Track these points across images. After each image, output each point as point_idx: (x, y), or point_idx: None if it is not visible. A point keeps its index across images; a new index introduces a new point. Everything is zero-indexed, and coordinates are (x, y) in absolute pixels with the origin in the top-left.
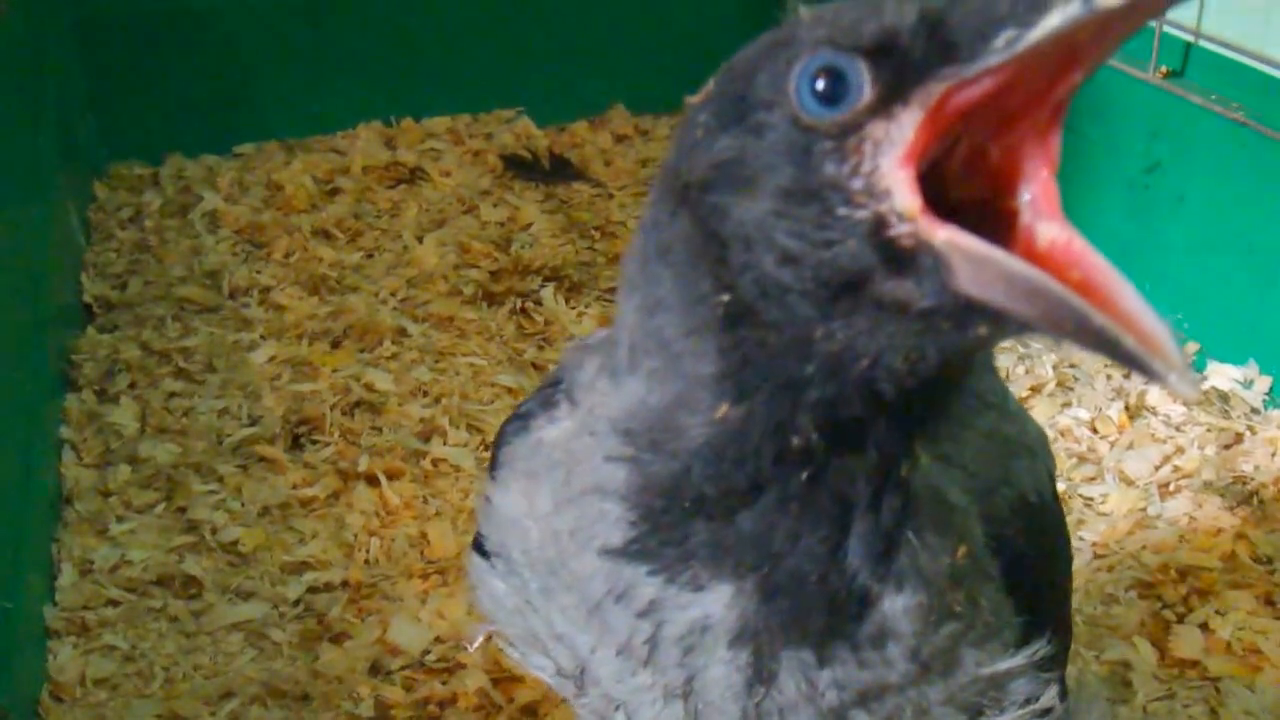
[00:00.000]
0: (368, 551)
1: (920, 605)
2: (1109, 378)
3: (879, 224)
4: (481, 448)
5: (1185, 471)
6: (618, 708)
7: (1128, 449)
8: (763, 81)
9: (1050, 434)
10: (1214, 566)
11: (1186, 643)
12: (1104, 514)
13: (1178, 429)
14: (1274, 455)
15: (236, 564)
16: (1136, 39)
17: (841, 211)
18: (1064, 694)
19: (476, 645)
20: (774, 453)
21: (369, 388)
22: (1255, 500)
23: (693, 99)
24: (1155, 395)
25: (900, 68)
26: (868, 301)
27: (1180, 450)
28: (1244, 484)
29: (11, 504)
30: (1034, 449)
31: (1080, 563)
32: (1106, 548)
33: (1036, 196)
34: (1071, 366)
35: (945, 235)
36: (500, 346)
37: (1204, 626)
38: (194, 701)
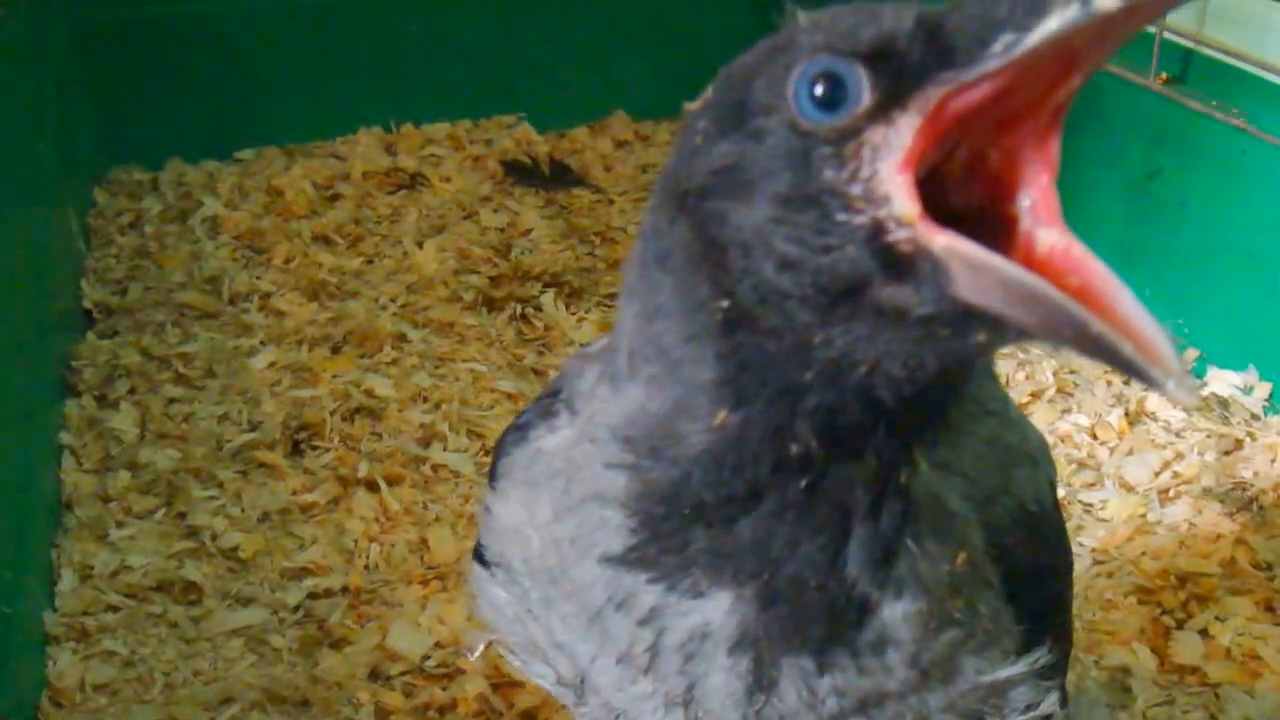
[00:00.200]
0: (368, 557)
1: (920, 612)
2: (1109, 384)
3: (877, 229)
4: (481, 453)
5: (1185, 477)
6: (618, 716)
7: (1128, 455)
8: (761, 87)
9: (1050, 440)
10: (1213, 572)
11: (1186, 649)
12: (1104, 520)
13: (1178, 435)
14: (1274, 461)
15: (236, 570)
16: (1136, 45)
17: (840, 217)
18: (1064, 701)
19: (477, 654)
20: (773, 460)
21: (369, 393)
22: (1255, 506)
23: (691, 105)
24: (1155, 401)
25: (898, 73)
26: (867, 308)
27: (1180, 456)
28: (1244, 490)
29: (11, 509)
30: (1035, 457)
31: (1080, 568)
32: (1106, 553)
33: (1036, 202)
34: (1071, 373)
35: (944, 241)
36: (500, 352)
37: (1203, 632)
38: (194, 707)
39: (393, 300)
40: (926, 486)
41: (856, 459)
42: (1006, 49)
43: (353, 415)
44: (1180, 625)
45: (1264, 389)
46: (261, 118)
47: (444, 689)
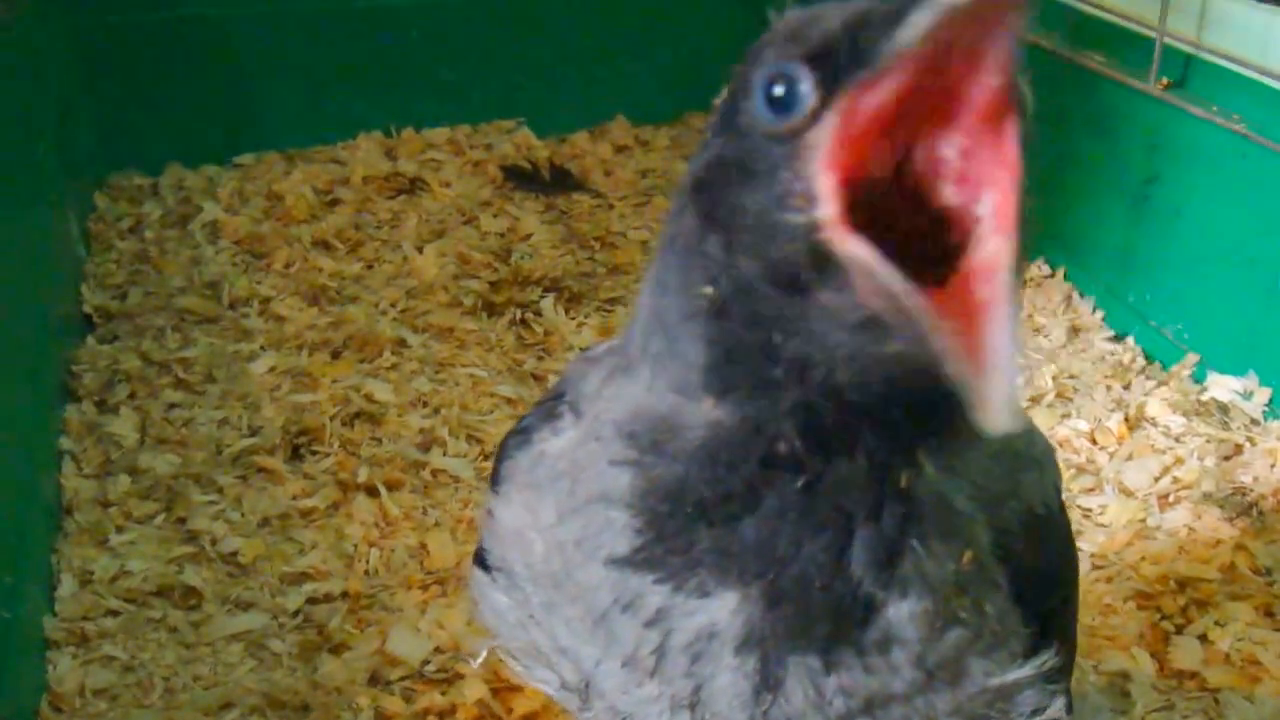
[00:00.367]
0: (367, 562)
1: (925, 611)
2: (1108, 389)
3: (811, 230)
4: (481, 458)
5: (1184, 483)
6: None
7: (1127, 460)
8: (740, 88)
9: None
10: (1213, 578)
11: (1185, 654)
12: (1103, 525)
13: (1177, 440)
14: (1273, 466)
15: (236, 575)
16: (1137, 50)
17: (785, 217)
18: (1070, 707)
19: (480, 660)
20: (761, 456)
21: (369, 398)
22: (1255, 511)
23: (717, 99)
24: (1155, 406)
25: (833, 73)
26: (814, 308)
27: (1180, 461)
28: (1243, 495)
29: (11, 514)
30: (1041, 462)
31: (1079, 573)
32: (1105, 559)
33: (995, 206)
34: (1071, 377)
35: (849, 246)
36: (500, 357)
37: (1203, 638)
38: (193, 712)
39: (392, 305)
40: (931, 486)
41: (848, 460)
42: (892, 47)
43: (352, 420)
44: (1180, 630)
45: (1264, 394)
46: (261, 122)
47: (443, 694)
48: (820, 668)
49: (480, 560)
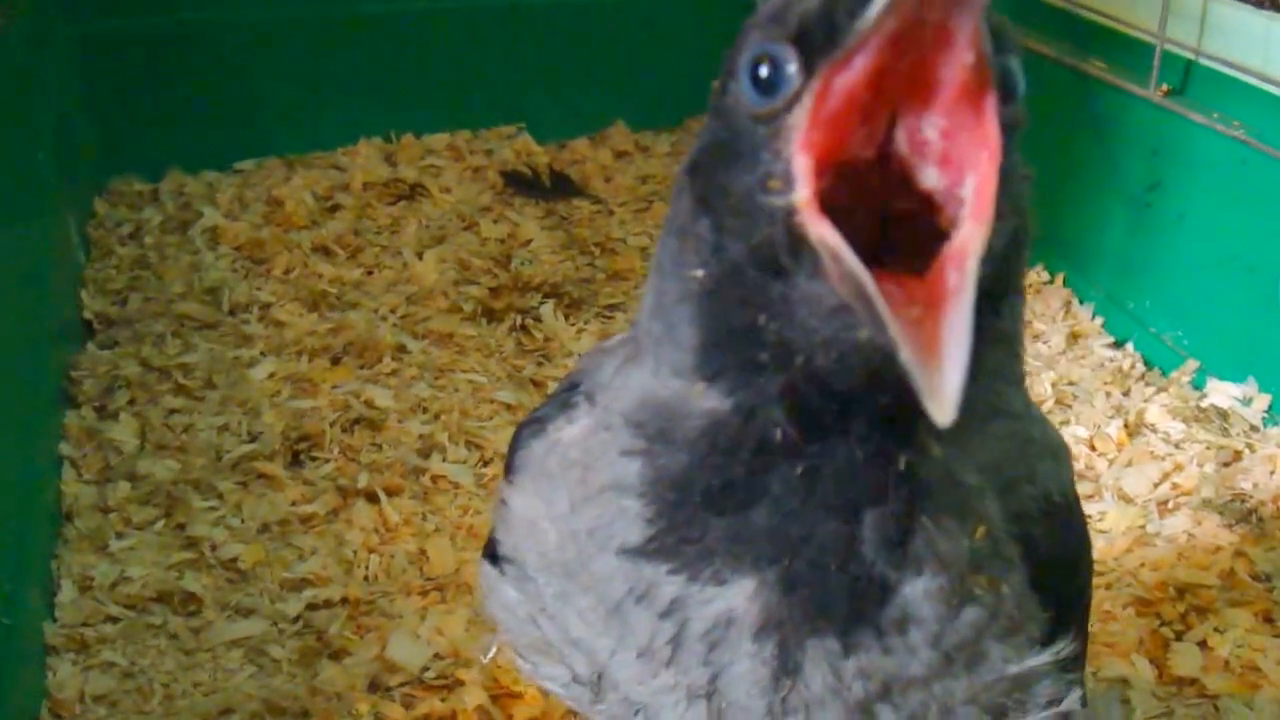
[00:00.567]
0: (367, 568)
1: (941, 589)
2: (1108, 395)
3: (788, 213)
4: (481, 464)
5: (1184, 489)
6: (638, 712)
7: (1126, 466)
8: (728, 68)
9: None
10: (1212, 584)
11: (1185, 660)
12: (1103, 531)
13: (1176, 446)
14: (1273, 473)
15: (236, 581)
16: (1137, 56)
17: (765, 199)
18: (1084, 699)
19: (490, 655)
20: (756, 442)
21: (369, 404)
22: (1254, 518)
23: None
24: (1154, 413)
25: (812, 54)
26: (794, 292)
27: (1179, 468)
28: (1243, 501)
29: (11, 521)
30: (1057, 452)
31: None
32: (1105, 565)
33: (975, 189)
34: (1070, 384)
35: (817, 228)
36: (500, 363)
37: (1202, 644)
38: (193, 718)
39: (392, 311)
40: (938, 465)
41: (844, 445)
42: (859, 25)
43: (352, 426)
44: (1179, 637)
45: (1263, 400)
46: (261, 128)
47: (443, 700)
48: (839, 650)
49: (489, 553)
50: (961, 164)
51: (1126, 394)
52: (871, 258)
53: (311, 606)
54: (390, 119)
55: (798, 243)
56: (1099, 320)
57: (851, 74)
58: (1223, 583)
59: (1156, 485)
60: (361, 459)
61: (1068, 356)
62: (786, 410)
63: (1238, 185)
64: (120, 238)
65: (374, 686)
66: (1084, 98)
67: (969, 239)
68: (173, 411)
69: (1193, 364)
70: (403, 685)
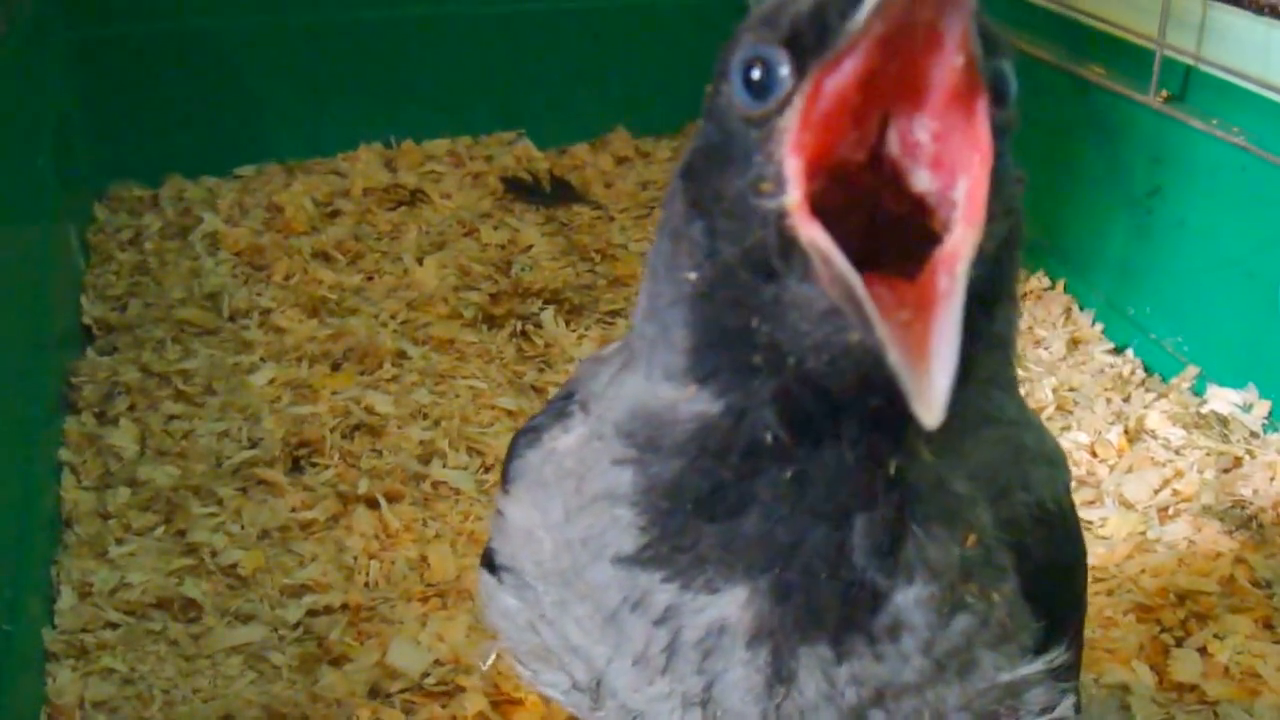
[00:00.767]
0: (367, 574)
1: (931, 597)
2: (1108, 401)
3: (780, 215)
4: (482, 471)
5: (1184, 495)
6: (635, 718)
7: (1127, 473)
8: (721, 71)
9: None
10: (1213, 590)
11: (1185, 666)
12: (1103, 538)
13: (1177, 453)
14: (1273, 479)
15: (236, 587)
16: (1137, 63)
17: (758, 202)
18: (1078, 707)
19: (489, 663)
20: (746, 446)
21: (369, 410)
22: (1254, 524)
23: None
24: (1155, 419)
25: (804, 56)
26: (785, 295)
27: (1179, 474)
28: (1243, 508)
29: (11, 526)
30: (1052, 459)
31: None
32: (1105, 571)
33: (965, 192)
34: (1071, 390)
35: (808, 231)
36: (500, 369)
37: (1203, 650)
38: None
39: (393, 317)
40: (928, 472)
41: (834, 449)
42: (848, 27)
43: (353, 432)
44: (1179, 643)
45: (1263, 407)
46: (262, 134)
47: (444, 706)
48: (832, 658)
49: (487, 561)
50: (953, 166)
51: (1127, 400)
52: (864, 262)
53: (312, 613)
54: (391, 124)
55: (789, 245)
56: (1099, 326)
57: (842, 76)
58: (1223, 589)
59: (1157, 491)
60: (362, 465)
61: (1068, 362)
62: (777, 413)
63: (1238, 191)
64: (120, 243)
65: (374, 693)
66: (1084, 104)
67: (960, 242)
68: (173, 417)
69: (1193, 370)
70: (403, 692)
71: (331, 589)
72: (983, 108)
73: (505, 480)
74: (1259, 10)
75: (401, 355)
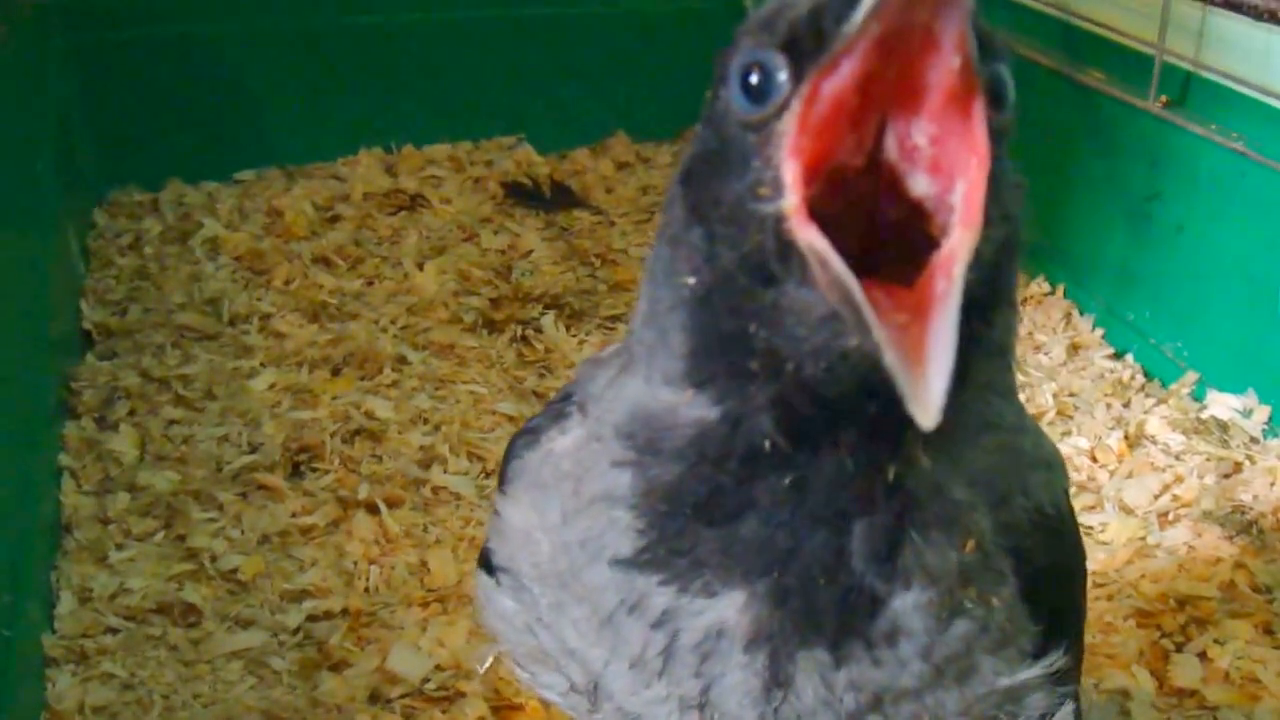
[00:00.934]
0: (367, 579)
1: (930, 602)
2: (1108, 406)
3: (777, 220)
4: (482, 476)
5: (1184, 500)
6: None
7: (1127, 478)
8: (719, 76)
9: None
10: (1213, 596)
11: (1185, 672)
12: (1103, 543)
13: (1177, 458)
14: (1273, 485)
15: (236, 592)
16: (1137, 68)
17: (756, 206)
18: (1079, 712)
19: (486, 666)
20: (744, 451)
21: (369, 415)
22: (1254, 529)
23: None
24: (1155, 424)
25: (801, 60)
26: (783, 300)
27: (1179, 479)
28: (1243, 513)
29: (11, 531)
30: (1050, 463)
31: None
32: (1105, 576)
33: (964, 195)
34: (1071, 395)
35: (805, 235)
36: (501, 374)
37: (1202, 655)
38: None
39: (393, 322)
40: (926, 477)
41: (832, 455)
42: (844, 30)
43: (353, 437)
44: (1179, 648)
45: (1263, 412)
46: (261, 139)
47: (444, 712)
48: (830, 662)
49: (485, 563)
50: (951, 170)
51: (1127, 405)
52: (862, 268)
53: (312, 618)
54: (391, 129)
55: (787, 249)
56: (1099, 332)
57: (839, 79)
58: (1223, 594)
59: (1157, 497)
60: (362, 470)
61: (1068, 368)
62: (775, 419)
63: (1237, 196)
64: (120, 248)
65: (374, 698)
66: (1084, 109)
67: (957, 245)
68: (173, 422)
69: (1193, 375)
70: (403, 697)
71: (332, 594)
72: (979, 110)
73: (503, 481)
74: (1258, 16)
75: (402, 360)
